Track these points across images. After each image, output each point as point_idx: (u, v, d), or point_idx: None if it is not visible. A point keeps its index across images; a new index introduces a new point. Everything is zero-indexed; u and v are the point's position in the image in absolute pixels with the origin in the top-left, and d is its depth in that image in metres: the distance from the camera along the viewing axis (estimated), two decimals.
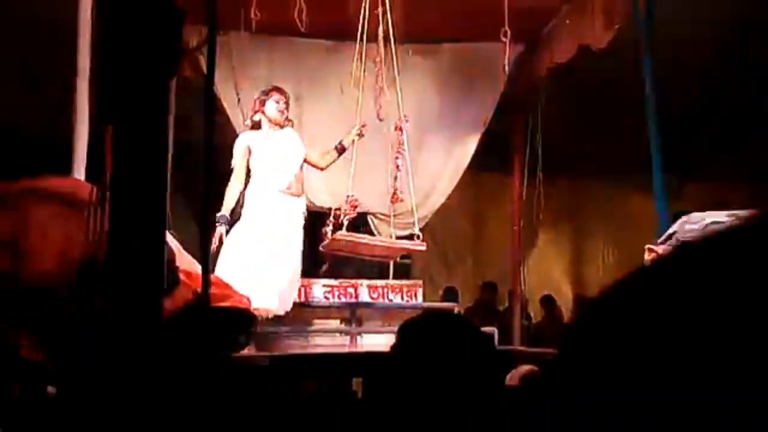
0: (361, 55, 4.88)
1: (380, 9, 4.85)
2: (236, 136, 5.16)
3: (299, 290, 5.23)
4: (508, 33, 4.97)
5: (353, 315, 5.50)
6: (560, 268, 8.93)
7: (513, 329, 6.38)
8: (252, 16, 4.98)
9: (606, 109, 6.60)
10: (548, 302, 8.13)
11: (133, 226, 1.47)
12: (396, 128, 5.07)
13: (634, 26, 4.65)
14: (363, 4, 4.89)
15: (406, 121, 5.09)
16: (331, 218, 5.00)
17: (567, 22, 5.52)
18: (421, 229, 5.14)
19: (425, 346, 1.46)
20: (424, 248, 5.12)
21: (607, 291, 0.58)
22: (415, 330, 1.49)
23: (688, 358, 0.47)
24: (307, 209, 5.19)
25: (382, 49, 4.91)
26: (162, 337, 1.45)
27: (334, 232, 4.89)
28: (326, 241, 5.00)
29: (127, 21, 1.66)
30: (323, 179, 5.74)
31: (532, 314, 7.76)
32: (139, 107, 1.66)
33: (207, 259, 1.78)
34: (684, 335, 0.48)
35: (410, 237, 5.19)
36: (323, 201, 5.85)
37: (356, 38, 4.92)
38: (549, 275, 8.58)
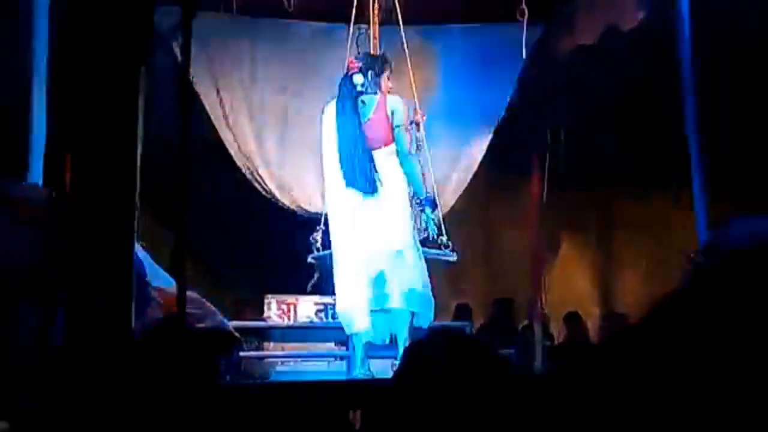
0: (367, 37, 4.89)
1: None
2: (216, 132, 5.17)
3: (288, 308, 5.22)
4: (525, 12, 4.98)
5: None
6: (586, 281, 8.91)
7: (533, 351, 6.37)
8: None
9: (639, 102, 6.60)
10: (573, 320, 8.11)
11: (96, 235, 1.46)
12: (411, 123, 5.04)
13: (672, 7, 4.66)
14: None
15: (423, 116, 5.11)
16: (322, 224, 4.99)
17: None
18: (438, 234, 5.08)
19: (432, 371, 1.46)
20: (454, 259, 5.06)
21: (653, 312, 0.57)
22: (421, 353, 1.48)
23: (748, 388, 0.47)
24: (295, 214, 5.18)
25: (375, 30, 4.92)
26: (131, 362, 1.45)
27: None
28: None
29: (90, 4, 1.67)
30: (315, 179, 5.74)
31: (554, 334, 7.75)
32: (104, 100, 1.66)
33: (182, 274, 1.77)
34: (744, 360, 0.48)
35: (434, 244, 5.03)
36: (317, 206, 5.85)
37: (351, 20, 4.94)
38: (573, 290, 8.56)
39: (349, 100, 4.60)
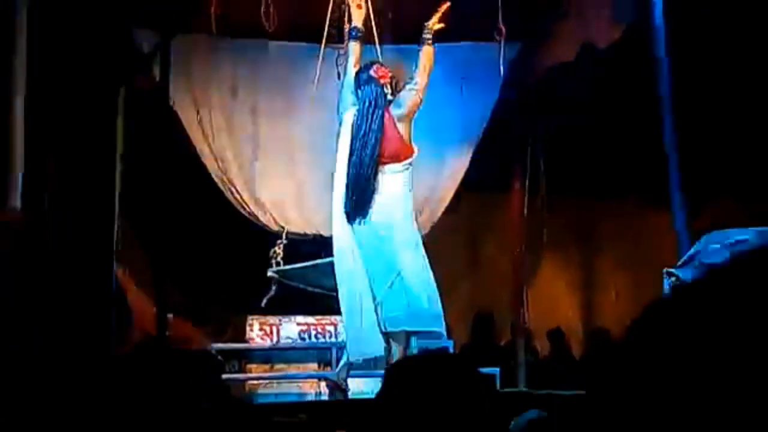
0: (347, 54, 4.88)
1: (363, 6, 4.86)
2: (196, 152, 5.15)
3: (270, 329, 5.19)
4: (503, 31, 5.01)
5: (333, 357, 5.46)
6: (568, 296, 8.93)
7: (517, 368, 6.37)
8: (212, 14, 4.97)
9: (617, 117, 6.65)
10: (557, 336, 8.12)
11: (75, 257, 1.45)
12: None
13: (647, 22, 4.71)
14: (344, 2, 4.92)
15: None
16: (284, 238, 4.94)
17: (568, 17, 5.58)
18: None
19: (415, 391, 1.45)
20: None
21: (633, 327, 0.58)
22: (404, 373, 1.48)
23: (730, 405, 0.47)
24: (277, 234, 5.13)
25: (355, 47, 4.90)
26: (110, 385, 1.43)
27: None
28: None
29: (69, 26, 1.66)
30: (296, 199, 5.73)
31: (538, 349, 7.75)
32: (83, 122, 1.65)
33: (163, 296, 1.76)
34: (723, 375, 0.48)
35: None
36: (297, 225, 5.82)
37: (337, 39, 4.94)
38: (556, 305, 8.58)
39: (381, 110, 4.52)
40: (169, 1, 1.61)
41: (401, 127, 4.60)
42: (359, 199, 4.45)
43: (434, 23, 4.66)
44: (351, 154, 4.49)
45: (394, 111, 4.60)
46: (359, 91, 4.61)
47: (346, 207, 4.44)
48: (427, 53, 4.69)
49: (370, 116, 4.51)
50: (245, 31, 5.67)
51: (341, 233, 4.47)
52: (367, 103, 4.53)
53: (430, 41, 4.68)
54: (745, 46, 5.60)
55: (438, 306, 4.54)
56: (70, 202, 1.60)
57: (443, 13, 4.67)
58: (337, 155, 4.56)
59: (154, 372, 1.88)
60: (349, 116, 4.56)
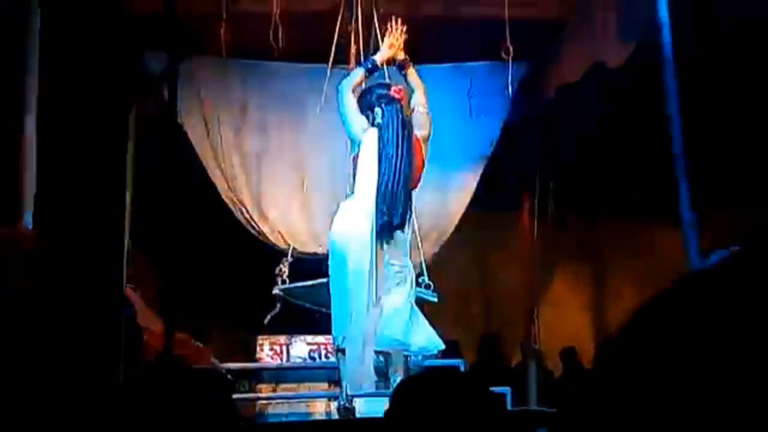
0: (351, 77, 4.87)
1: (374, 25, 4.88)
2: (206, 175, 5.16)
3: (280, 349, 5.18)
4: (510, 50, 5.02)
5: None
6: (580, 315, 8.90)
7: (529, 388, 6.33)
8: (222, 38, 5.04)
9: (626, 136, 6.66)
10: (569, 356, 8.07)
11: (86, 279, 1.46)
12: None
13: (656, 42, 4.72)
14: (352, 23, 4.95)
15: None
16: (290, 256, 4.92)
17: (577, 36, 5.60)
18: (418, 274, 5.08)
19: (425, 409, 1.44)
20: (435, 300, 4.99)
21: (630, 325, 0.58)
22: (413, 391, 1.47)
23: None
24: (287, 254, 5.13)
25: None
26: (121, 404, 1.44)
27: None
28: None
29: (81, 47, 1.68)
30: (305, 218, 5.74)
31: (551, 369, 7.70)
32: (93, 144, 1.67)
33: (172, 314, 1.77)
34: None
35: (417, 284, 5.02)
36: (305, 244, 5.83)
37: (348, 60, 4.96)
38: (568, 324, 8.54)
39: (407, 130, 4.42)
40: (179, 25, 1.64)
41: (424, 149, 4.55)
42: (392, 221, 4.34)
43: (398, 56, 4.62)
44: (382, 173, 4.35)
45: (419, 132, 4.53)
46: (380, 110, 4.47)
47: (379, 227, 4.29)
48: (412, 75, 4.64)
49: (400, 137, 4.40)
50: (255, 53, 5.72)
51: (363, 255, 4.26)
52: (394, 123, 4.42)
53: (408, 65, 4.63)
54: (755, 64, 5.61)
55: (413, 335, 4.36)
56: (81, 221, 1.61)
57: (396, 45, 4.61)
58: (357, 176, 4.40)
59: (164, 392, 1.88)
60: (371, 136, 4.41)
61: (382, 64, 4.59)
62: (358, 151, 4.44)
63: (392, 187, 4.36)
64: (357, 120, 4.48)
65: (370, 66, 4.54)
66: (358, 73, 4.57)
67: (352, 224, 4.31)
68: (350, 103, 4.49)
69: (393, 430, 1.45)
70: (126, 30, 1.67)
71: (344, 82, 4.55)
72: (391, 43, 4.62)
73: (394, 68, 4.77)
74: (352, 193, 4.43)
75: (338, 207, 4.46)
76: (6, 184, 3.15)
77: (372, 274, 4.23)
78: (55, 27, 1.79)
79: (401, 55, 4.61)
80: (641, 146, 6.02)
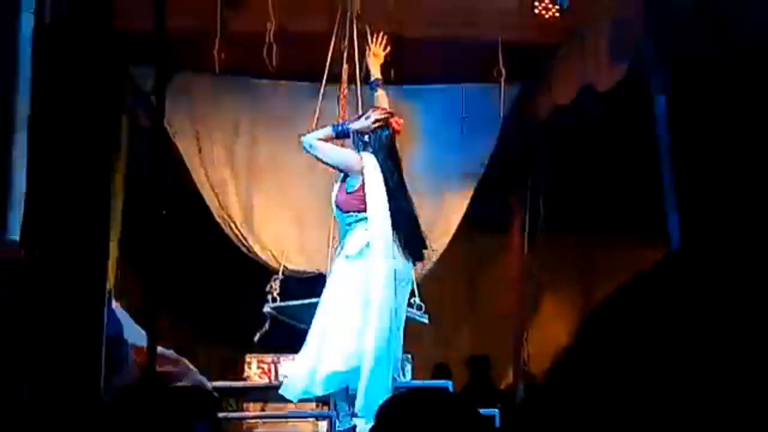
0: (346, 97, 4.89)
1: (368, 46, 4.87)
2: (196, 190, 5.16)
3: (269, 367, 5.15)
4: (503, 72, 5.05)
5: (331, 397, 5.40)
6: (570, 337, 8.88)
7: (517, 409, 6.30)
8: (216, 55, 5.05)
9: (616, 156, 6.68)
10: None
11: (68, 294, 1.45)
12: None
13: (645, 63, 4.75)
14: (344, 43, 4.97)
15: None
16: (281, 274, 4.90)
17: (568, 60, 5.64)
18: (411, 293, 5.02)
19: (413, 429, 1.43)
20: (426, 321, 4.94)
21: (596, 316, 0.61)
22: (397, 411, 1.46)
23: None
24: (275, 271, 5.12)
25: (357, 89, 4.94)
26: (102, 423, 1.42)
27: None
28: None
29: (71, 63, 1.68)
30: (296, 236, 5.72)
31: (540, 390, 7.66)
32: (82, 159, 1.66)
33: (154, 330, 1.76)
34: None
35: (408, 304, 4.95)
36: (297, 263, 5.82)
37: (340, 79, 4.97)
38: (557, 344, 8.52)
39: (398, 161, 4.32)
40: (170, 42, 1.64)
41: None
42: (412, 241, 4.29)
43: (376, 75, 4.55)
44: (391, 198, 4.20)
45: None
46: (377, 135, 4.27)
47: (405, 244, 4.21)
48: (382, 96, 4.51)
49: (397, 167, 4.29)
50: (248, 71, 5.74)
51: (386, 277, 4.10)
52: (387, 154, 4.27)
53: (381, 86, 4.54)
54: (744, 85, 5.65)
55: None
56: (68, 238, 1.60)
57: (380, 55, 4.59)
58: (369, 204, 4.16)
59: (150, 410, 1.86)
60: (371, 163, 4.22)
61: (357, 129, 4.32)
62: (362, 182, 4.22)
63: (404, 206, 4.28)
64: (346, 153, 4.32)
65: (340, 130, 4.33)
66: (325, 132, 4.35)
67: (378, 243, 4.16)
68: (326, 146, 4.29)
69: None
70: (115, 46, 1.67)
71: (309, 135, 4.32)
72: (375, 53, 4.61)
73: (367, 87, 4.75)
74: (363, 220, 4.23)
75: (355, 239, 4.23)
76: None
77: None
78: (46, 41, 1.79)
79: (377, 73, 4.57)
80: (632, 167, 6.05)
